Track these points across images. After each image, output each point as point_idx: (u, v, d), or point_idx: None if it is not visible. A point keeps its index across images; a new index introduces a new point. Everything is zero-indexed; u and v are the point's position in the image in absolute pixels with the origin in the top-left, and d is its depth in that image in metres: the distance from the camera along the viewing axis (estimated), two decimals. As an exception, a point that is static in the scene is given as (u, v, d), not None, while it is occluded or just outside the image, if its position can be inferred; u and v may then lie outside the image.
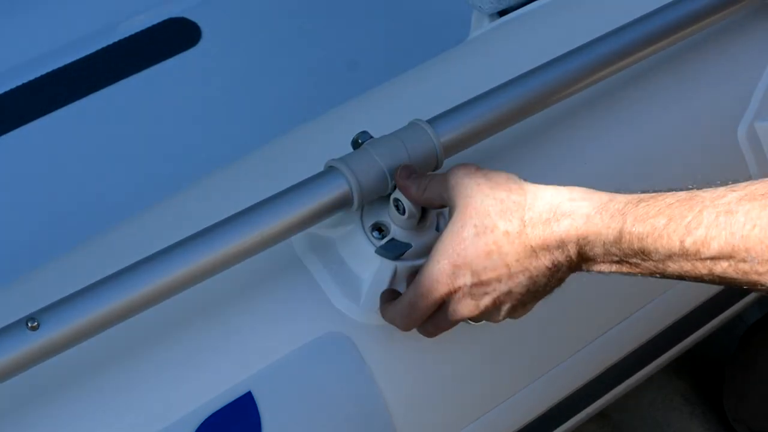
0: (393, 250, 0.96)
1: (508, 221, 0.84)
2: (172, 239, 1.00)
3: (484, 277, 0.86)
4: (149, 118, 1.76)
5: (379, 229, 0.97)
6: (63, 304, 0.85)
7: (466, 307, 0.88)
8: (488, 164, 1.04)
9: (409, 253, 0.96)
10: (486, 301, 0.87)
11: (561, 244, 0.84)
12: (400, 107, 1.12)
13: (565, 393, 1.12)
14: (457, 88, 1.11)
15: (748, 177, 1.17)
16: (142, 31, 1.83)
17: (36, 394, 0.90)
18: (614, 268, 0.84)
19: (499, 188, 0.86)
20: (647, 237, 0.79)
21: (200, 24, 1.84)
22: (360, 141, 0.96)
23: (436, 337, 0.97)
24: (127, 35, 1.82)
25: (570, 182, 0.99)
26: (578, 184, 1.01)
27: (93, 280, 0.98)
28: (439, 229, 0.98)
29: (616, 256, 0.82)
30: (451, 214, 0.88)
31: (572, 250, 0.84)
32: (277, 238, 0.91)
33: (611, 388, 1.23)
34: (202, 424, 0.92)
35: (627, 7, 1.16)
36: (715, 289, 1.21)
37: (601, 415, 1.75)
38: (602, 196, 0.84)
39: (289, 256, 0.99)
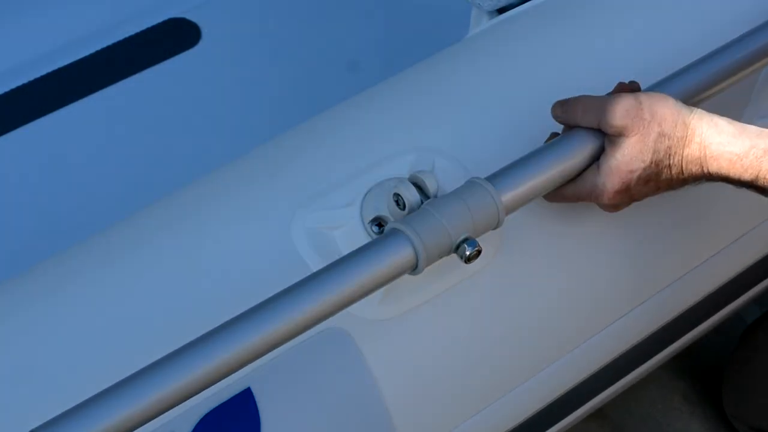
0: None
1: (672, 158, 0.95)
2: (170, 237, 1.00)
3: (638, 197, 0.99)
4: (149, 118, 1.76)
5: (379, 224, 0.97)
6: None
7: (607, 209, 1.01)
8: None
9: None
10: (624, 207, 1.02)
11: (706, 176, 0.97)
12: (400, 105, 1.12)
13: (564, 389, 1.12)
14: (456, 86, 1.12)
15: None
16: (141, 32, 1.83)
17: (29, 386, 0.90)
18: (747, 188, 0.97)
19: (666, 123, 0.95)
20: None
21: (200, 24, 1.84)
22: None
23: (436, 333, 1.00)
24: (126, 36, 1.82)
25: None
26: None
27: (92, 278, 0.98)
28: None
29: (753, 187, 0.96)
30: (614, 141, 0.96)
31: (714, 179, 0.97)
32: (339, 306, 0.88)
33: (610, 385, 1.23)
34: (201, 420, 0.92)
35: (625, 4, 1.17)
36: (714, 285, 1.21)
37: (602, 414, 1.75)
38: (745, 142, 0.94)
39: (290, 252, 0.99)
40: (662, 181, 0.97)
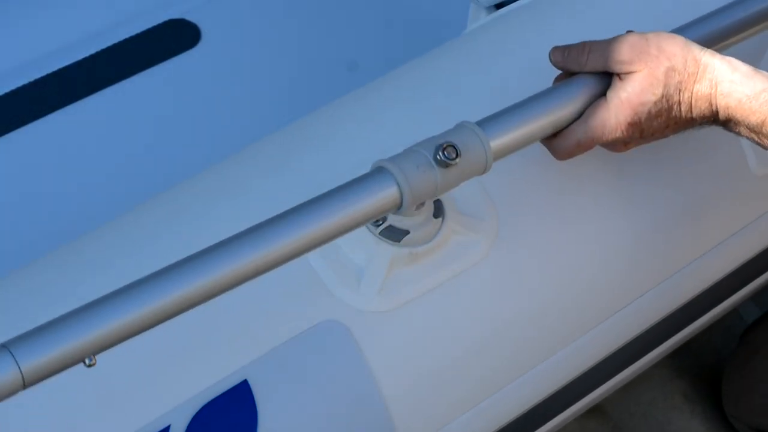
0: (392, 236, 0.96)
1: (682, 93, 0.95)
2: (169, 236, 1.00)
3: (647, 134, 0.97)
4: (149, 118, 1.76)
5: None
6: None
7: (617, 148, 1.00)
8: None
9: (406, 240, 0.97)
10: (634, 146, 1.00)
11: (714, 116, 0.96)
12: (398, 101, 1.12)
13: (563, 383, 1.12)
14: (454, 81, 1.12)
15: (748, 173, 1.17)
16: (141, 33, 1.83)
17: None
18: (749, 136, 0.96)
19: (676, 59, 0.94)
20: None
21: (200, 25, 1.84)
22: None
23: (433, 325, 1.00)
24: (126, 37, 1.82)
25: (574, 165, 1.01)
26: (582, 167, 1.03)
27: (91, 278, 0.98)
28: (436, 216, 0.98)
29: (756, 133, 0.94)
30: (622, 77, 0.95)
31: (720, 119, 0.96)
32: (321, 241, 0.87)
33: (609, 379, 1.23)
34: (198, 412, 0.92)
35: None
36: (713, 278, 1.21)
37: (602, 413, 1.74)
38: (757, 84, 0.93)
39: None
40: (672, 117, 0.96)
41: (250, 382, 0.94)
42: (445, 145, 0.89)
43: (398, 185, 0.88)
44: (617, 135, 0.96)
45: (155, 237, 1.02)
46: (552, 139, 0.98)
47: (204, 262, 0.83)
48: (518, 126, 0.94)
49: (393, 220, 0.96)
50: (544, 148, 1.01)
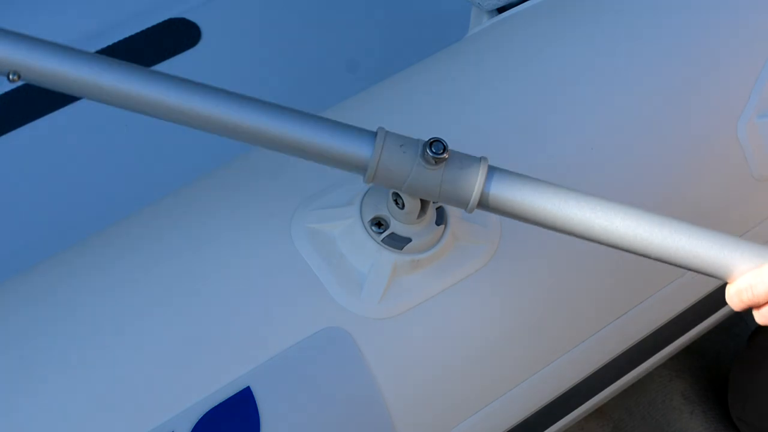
0: (395, 244, 0.97)
1: None
2: (169, 239, 1.00)
3: None
4: (149, 118, 1.75)
5: (379, 223, 0.97)
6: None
7: None
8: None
9: (409, 247, 0.97)
10: None
11: None
12: (400, 104, 1.12)
13: (564, 388, 1.12)
14: (456, 84, 1.12)
15: (747, 173, 1.17)
16: (141, 32, 1.82)
17: (30, 386, 0.91)
18: None
19: None
20: None
21: (200, 24, 1.84)
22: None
23: (435, 332, 1.01)
24: (127, 36, 1.82)
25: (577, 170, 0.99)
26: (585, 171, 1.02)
27: (93, 278, 0.98)
28: (438, 224, 0.98)
29: None
30: None
31: None
32: (276, 144, 0.89)
33: (609, 384, 1.23)
34: (200, 419, 0.92)
35: (624, 4, 1.17)
36: (710, 287, 1.21)
37: (602, 414, 1.75)
38: None
39: (289, 250, 0.99)
40: None
41: (253, 389, 0.94)
42: (432, 140, 0.87)
43: (369, 163, 0.87)
44: None
45: (158, 240, 1.02)
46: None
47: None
48: (525, 196, 0.87)
49: (395, 227, 0.97)
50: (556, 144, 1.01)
